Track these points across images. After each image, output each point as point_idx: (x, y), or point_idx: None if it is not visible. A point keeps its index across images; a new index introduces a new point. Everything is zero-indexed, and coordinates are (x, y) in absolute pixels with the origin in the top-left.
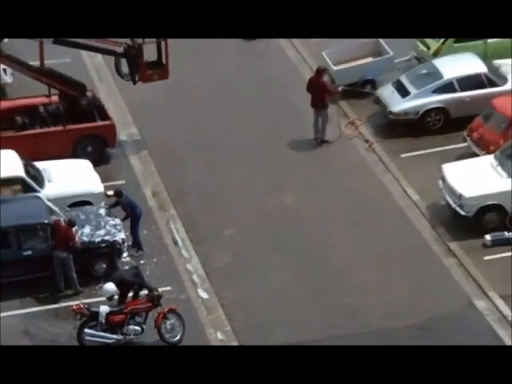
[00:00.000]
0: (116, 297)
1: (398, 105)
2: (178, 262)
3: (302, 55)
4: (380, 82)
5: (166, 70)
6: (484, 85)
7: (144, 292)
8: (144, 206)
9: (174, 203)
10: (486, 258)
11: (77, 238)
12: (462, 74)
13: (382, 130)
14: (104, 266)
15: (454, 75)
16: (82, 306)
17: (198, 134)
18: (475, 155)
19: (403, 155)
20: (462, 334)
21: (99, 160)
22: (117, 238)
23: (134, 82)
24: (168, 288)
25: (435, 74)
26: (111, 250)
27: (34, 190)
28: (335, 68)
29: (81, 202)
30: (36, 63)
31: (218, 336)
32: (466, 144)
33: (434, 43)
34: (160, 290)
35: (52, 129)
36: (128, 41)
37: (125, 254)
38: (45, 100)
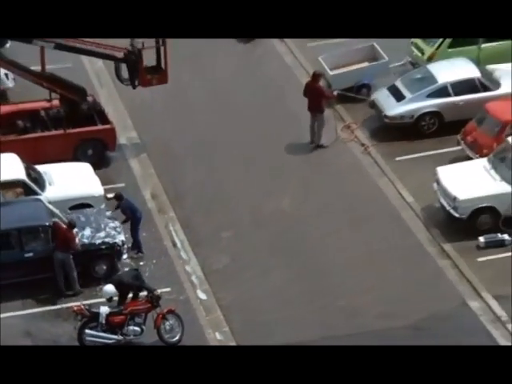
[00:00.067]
0: (116, 298)
1: (393, 109)
2: (177, 263)
3: (298, 60)
4: (375, 87)
5: (165, 74)
6: (477, 89)
7: (143, 293)
8: (143, 209)
9: (173, 206)
10: (480, 259)
11: (77, 240)
12: (455, 79)
13: (377, 133)
14: (104, 267)
15: (448, 80)
16: (82, 306)
17: (196, 137)
18: (469, 158)
19: (398, 158)
20: (456, 333)
21: (99, 163)
22: (117, 240)
23: (134, 87)
24: (167, 289)
25: (430, 78)
26: (111, 252)
27: (35, 193)
28: (331, 73)
29: (81, 205)
30: (37, 68)
31: (217, 336)
32: (459, 147)
33: (428, 48)
34: (159, 291)
35: (53, 132)
36: (128, 46)
37: (125, 256)
38: (46, 104)
